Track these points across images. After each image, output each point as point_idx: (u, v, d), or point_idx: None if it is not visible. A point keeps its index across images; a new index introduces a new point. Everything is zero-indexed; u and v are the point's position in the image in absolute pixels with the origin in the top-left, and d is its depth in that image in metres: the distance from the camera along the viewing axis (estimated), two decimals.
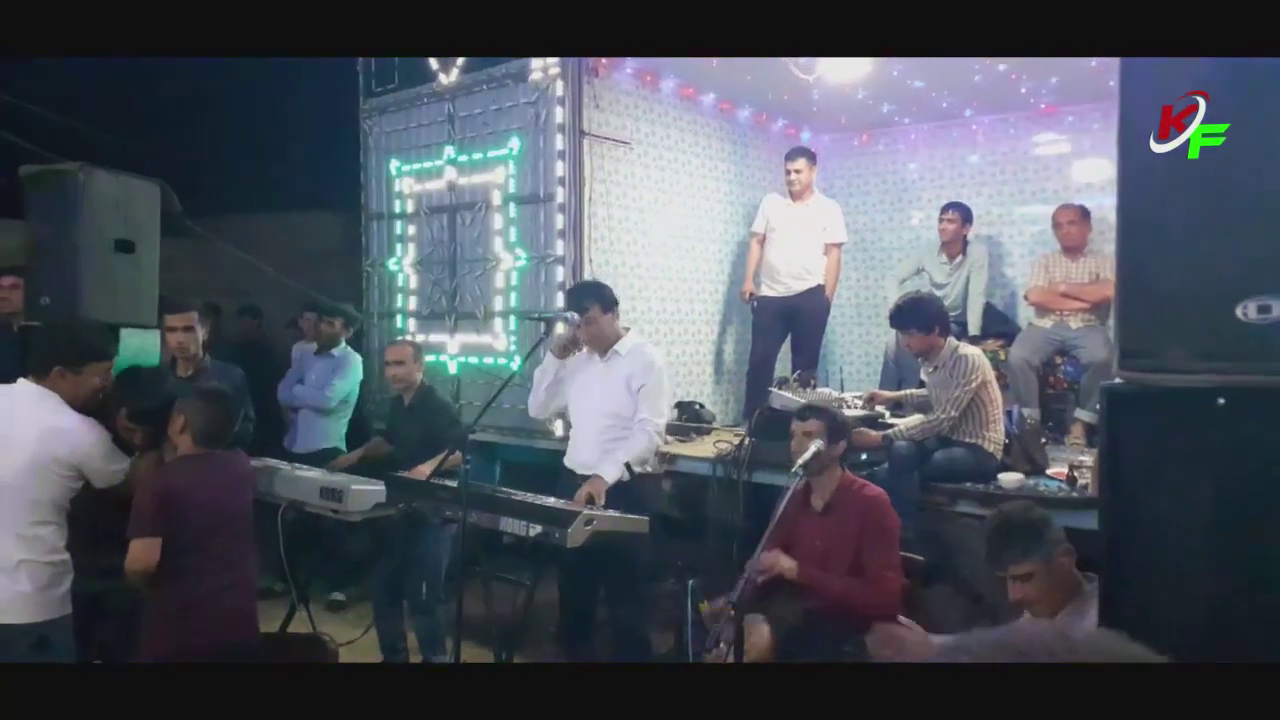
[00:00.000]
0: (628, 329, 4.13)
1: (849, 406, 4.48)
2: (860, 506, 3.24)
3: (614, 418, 3.90)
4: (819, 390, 4.84)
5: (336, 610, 5.32)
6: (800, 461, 3.13)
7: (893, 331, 5.85)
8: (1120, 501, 1.85)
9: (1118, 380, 1.84)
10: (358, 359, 5.77)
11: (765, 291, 5.86)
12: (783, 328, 5.86)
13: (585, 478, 3.78)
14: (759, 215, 5.92)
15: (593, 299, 3.89)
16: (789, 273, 5.77)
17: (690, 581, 2.90)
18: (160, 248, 4.06)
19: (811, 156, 5.84)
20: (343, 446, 5.62)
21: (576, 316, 3.84)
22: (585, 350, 4.01)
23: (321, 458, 5.29)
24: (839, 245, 5.91)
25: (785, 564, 3.22)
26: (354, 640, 3.96)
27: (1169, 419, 1.78)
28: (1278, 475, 1.66)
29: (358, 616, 4.97)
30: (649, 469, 3.98)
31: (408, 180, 5.99)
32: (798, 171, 5.73)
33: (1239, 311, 1.66)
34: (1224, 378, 1.70)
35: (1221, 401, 1.69)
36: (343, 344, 5.73)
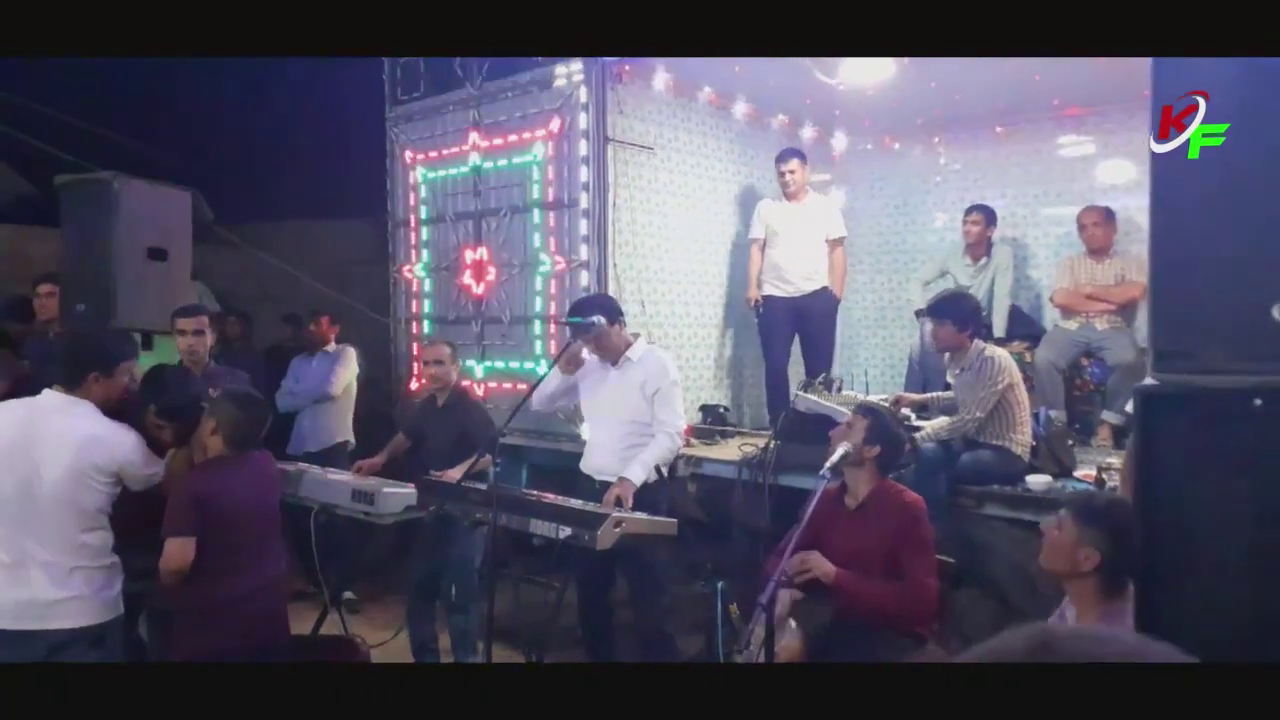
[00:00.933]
0: (636, 335, 4.17)
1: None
2: (897, 511, 3.17)
3: (632, 423, 3.93)
4: (844, 393, 4.84)
5: (353, 612, 5.35)
6: (828, 464, 3.11)
7: (917, 334, 5.86)
8: (1154, 503, 1.83)
9: (1151, 381, 1.84)
10: (353, 351, 5.86)
11: (771, 291, 5.79)
12: (792, 328, 5.81)
13: (604, 483, 3.80)
14: (755, 221, 5.86)
15: (599, 311, 3.91)
16: (798, 273, 5.74)
17: (719, 584, 2.91)
18: (193, 255, 4.14)
19: (803, 156, 5.80)
20: (353, 439, 5.71)
21: (604, 321, 3.86)
22: (596, 359, 4.04)
23: (336, 454, 5.36)
24: (841, 240, 5.88)
25: (823, 567, 3.10)
26: (385, 642, 4.00)
27: (1204, 420, 1.76)
28: None
29: (388, 619, 5.01)
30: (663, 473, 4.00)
31: (433, 186, 6.05)
32: (791, 172, 5.70)
33: (1275, 312, 1.65)
34: (1260, 378, 1.69)
35: (1258, 402, 1.68)
36: (332, 342, 5.83)
